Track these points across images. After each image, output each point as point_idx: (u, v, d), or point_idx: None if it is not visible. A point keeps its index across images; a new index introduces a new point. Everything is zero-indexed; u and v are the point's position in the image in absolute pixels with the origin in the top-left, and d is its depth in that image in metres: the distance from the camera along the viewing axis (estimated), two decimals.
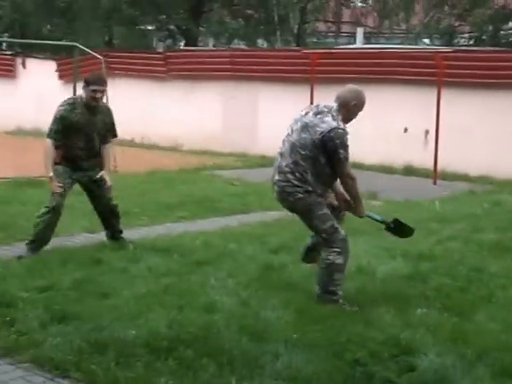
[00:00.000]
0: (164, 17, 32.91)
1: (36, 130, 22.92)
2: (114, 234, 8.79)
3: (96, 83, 8.16)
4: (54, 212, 8.23)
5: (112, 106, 16.29)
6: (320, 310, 6.31)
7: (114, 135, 8.67)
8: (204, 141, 19.88)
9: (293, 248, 8.55)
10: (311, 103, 16.36)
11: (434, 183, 15.33)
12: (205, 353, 5.20)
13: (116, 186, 12.96)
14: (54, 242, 8.75)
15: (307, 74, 16.98)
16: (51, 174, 8.10)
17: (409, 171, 16.69)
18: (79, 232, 9.60)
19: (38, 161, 16.26)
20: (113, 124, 8.58)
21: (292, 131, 6.60)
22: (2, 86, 24.89)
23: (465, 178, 15.82)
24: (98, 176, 8.38)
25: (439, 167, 15.69)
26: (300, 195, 6.49)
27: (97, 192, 8.56)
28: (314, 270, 7.54)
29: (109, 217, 8.73)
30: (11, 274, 7.15)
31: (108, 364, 5.07)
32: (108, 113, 8.55)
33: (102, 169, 8.47)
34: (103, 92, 8.29)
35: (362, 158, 17.02)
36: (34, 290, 6.65)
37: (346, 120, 6.59)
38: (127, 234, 9.45)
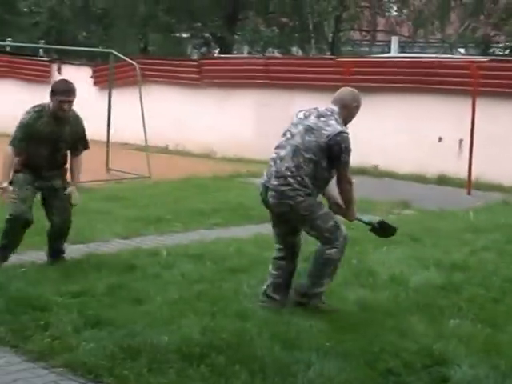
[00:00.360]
0: (199, 24, 33.08)
1: None
2: (54, 253, 8.12)
3: (63, 94, 7.62)
4: (16, 220, 7.74)
5: (146, 112, 16.60)
6: (352, 319, 6.33)
7: (85, 147, 8.08)
8: (238, 148, 19.90)
9: None
10: None
11: (468, 193, 15.23)
12: (237, 360, 5.21)
13: (149, 193, 13.28)
14: (89, 248, 8.87)
15: (341, 83, 16.95)
16: (5, 184, 7.56)
17: (442, 181, 16.58)
18: (113, 238, 9.64)
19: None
20: (83, 135, 8.01)
21: (292, 135, 6.52)
22: (38, 91, 25.01)
23: (499, 188, 15.67)
24: (66, 192, 7.89)
25: (473, 177, 15.60)
26: (301, 198, 6.40)
27: (55, 204, 7.95)
28: (347, 278, 7.59)
29: (58, 234, 8.08)
30: (46, 279, 7.22)
31: (140, 370, 5.10)
32: (77, 123, 7.93)
33: (73, 180, 8.05)
34: (70, 103, 7.68)
35: (396, 166, 17.02)
36: (68, 294, 6.71)
37: (345, 122, 6.60)
38: (161, 240, 9.53)
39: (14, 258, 8.10)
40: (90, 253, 8.48)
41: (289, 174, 6.39)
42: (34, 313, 6.18)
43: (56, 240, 8.10)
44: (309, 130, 6.45)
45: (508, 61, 19.72)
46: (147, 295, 6.82)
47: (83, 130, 8.00)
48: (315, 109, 6.63)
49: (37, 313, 6.18)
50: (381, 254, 8.81)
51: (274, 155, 6.54)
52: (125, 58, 17.08)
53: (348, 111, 6.62)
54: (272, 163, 6.52)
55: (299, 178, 6.38)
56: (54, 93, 7.65)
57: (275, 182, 6.45)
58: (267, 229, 10.40)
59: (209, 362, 5.21)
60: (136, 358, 5.26)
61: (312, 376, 5.06)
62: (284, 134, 6.61)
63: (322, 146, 6.37)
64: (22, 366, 5.34)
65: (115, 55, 16.91)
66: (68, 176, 8.08)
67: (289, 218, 6.59)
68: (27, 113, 7.77)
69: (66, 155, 7.97)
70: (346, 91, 6.78)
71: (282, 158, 6.46)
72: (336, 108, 6.57)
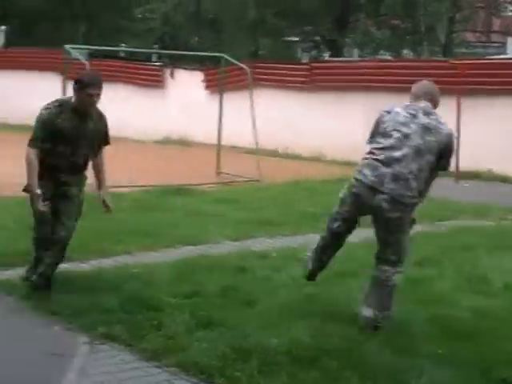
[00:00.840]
0: (309, 27, 33.10)
1: (183, 139, 23.49)
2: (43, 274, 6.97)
3: (93, 86, 6.82)
4: (44, 241, 6.98)
5: (256, 116, 16.69)
6: (465, 326, 6.21)
7: (107, 143, 7.31)
8: (347, 151, 19.79)
9: (438, 261, 8.49)
10: (458, 115, 16.10)
11: None
12: (348, 365, 5.19)
13: (259, 196, 13.35)
14: (200, 250, 8.97)
15: (455, 85, 16.70)
16: (38, 191, 6.75)
17: None
18: (224, 240, 9.73)
19: (185, 170, 16.75)
20: (106, 133, 7.24)
21: (406, 135, 6.01)
22: (152, 96, 25.53)
23: None
24: (100, 200, 7.17)
25: None
26: (412, 208, 6.08)
27: (62, 208, 6.99)
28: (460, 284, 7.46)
29: (59, 252, 7.01)
30: (158, 280, 7.34)
31: (251, 371, 5.12)
32: (101, 120, 7.18)
33: (102, 185, 7.24)
34: (99, 96, 6.92)
35: (509, 170, 16.66)
36: (180, 295, 6.80)
37: None
38: (270, 243, 9.56)
39: (126, 259, 8.28)
40: (201, 254, 8.59)
41: (412, 177, 5.94)
42: (148, 313, 6.29)
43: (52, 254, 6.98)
44: (427, 129, 6.03)
45: None
46: (257, 297, 6.85)
47: (106, 126, 7.23)
48: (412, 105, 6.21)
49: (150, 313, 6.28)
50: (494, 260, 8.63)
51: (382, 156, 6.00)
52: (236, 62, 17.23)
53: (435, 106, 6.25)
54: (380, 165, 5.99)
55: (420, 182, 6.00)
56: (82, 85, 6.81)
57: (392, 186, 5.93)
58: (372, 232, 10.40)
59: (320, 366, 5.20)
60: (247, 360, 5.28)
61: (424, 383, 4.99)
62: (388, 135, 6.09)
63: (441, 145, 6.04)
64: (136, 364, 5.44)
65: (226, 59, 17.06)
66: (93, 182, 7.29)
67: (388, 224, 6.18)
68: (45, 108, 6.92)
69: (87, 157, 7.14)
70: (430, 85, 6.43)
71: (398, 160, 5.95)
72: (428, 103, 6.19)
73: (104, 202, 7.19)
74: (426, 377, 5.08)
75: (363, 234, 10.13)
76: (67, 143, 6.90)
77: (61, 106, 6.95)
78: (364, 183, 6.08)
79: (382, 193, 5.98)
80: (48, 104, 6.97)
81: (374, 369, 5.15)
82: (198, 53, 24.97)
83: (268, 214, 11.47)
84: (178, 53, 26.26)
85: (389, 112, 6.21)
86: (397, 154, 6.00)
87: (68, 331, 6.06)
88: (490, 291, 7.32)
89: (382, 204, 6.02)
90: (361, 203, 6.16)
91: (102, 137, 7.20)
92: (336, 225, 6.37)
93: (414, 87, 6.41)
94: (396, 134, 6.07)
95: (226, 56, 17.15)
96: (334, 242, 6.55)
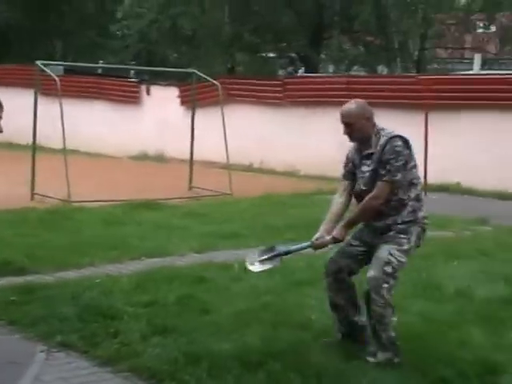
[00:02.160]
0: (284, 44, 33.46)
1: (159, 155, 23.69)
2: None
3: None
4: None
5: (231, 131, 16.94)
6: (413, 330, 6.41)
7: None
8: (321, 166, 20.04)
9: None
10: (425, 130, 16.39)
11: None
12: (293, 367, 5.39)
13: (228, 210, 13.55)
14: (165, 261, 9.16)
15: (421, 100, 16.99)
16: None
17: None
18: (189, 252, 9.91)
19: (158, 184, 16.92)
20: None
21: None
22: (127, 112, 25.71)
23: None
24: None
25: None
26: None
27: None
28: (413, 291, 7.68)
29: None
30: (119, 290, 7.51)
31: (200, 374, 5.32)
32: None
33: None
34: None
35: (478, 183, 16.92)
36: (138, 304, 6.99)
37: None
38: (234, 254, 9.75)
39: (90, 270, 8.47)
40: (164, 266, 8.76)
41: None
42: (105, 321, 6.46)
43: None
44: None
45: None
46: (214, 306, 7.05)
47: None
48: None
49: (107, 321, 6.46)
50: (450, 269, 8.90)
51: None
52: (207, 77, 17.47)
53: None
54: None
55: None
56: None
57: None
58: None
59: (266, 369, 5.40)
60: (197, 364, 5.48)
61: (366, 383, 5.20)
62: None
63: None
64: (90, 370, 5.61)
65: (198, 75, 17.29)
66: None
67: None
68: None
69: None
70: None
71: None
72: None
73: None
74: (369, 378, 5.29)
75: (329, 246, 10.45)
76: None
77: None
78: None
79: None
80: None
81: (319, 370, 5.35)
82: (169, 69, 25.27)
83: (235, 226, 11.67)
84: (148, 68, 26.62)
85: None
86: None
87: (26, 340, 6.23)
88: (442, 297, 7.54)
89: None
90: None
91: None
92: None
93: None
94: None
95: (196, 72, 17.38)
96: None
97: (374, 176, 5.84)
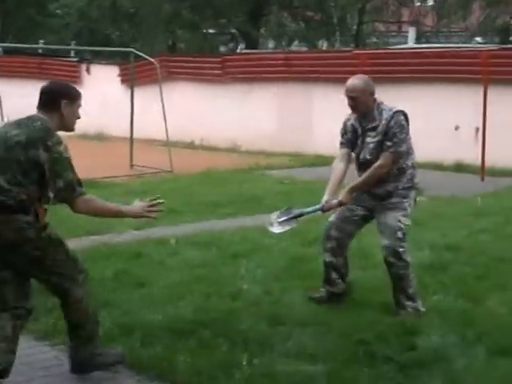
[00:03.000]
0: (224, 20, 33.60)
1: (100, 134, 23.77)
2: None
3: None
4: None
5: (172, 109, 17.10)
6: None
7: None
8: (261, 141, 20.34)
9: None
10: None
11: (482, 179, 15.52)
12: (221, 333, 5.68)
13: (168, 187, 13.75)
14: (104, 239, 9.34)
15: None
16: None
17: (459, 168, 16.86)
18: (127, 229, 10.09)
19: (99, 163, 16.95)
20: None
21: None
22: None
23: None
24: None
25: (489, 164, 15.87)
26: None
27: None
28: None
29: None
30: None
31: (133, 344, 5.58)
32: None
33: None
34: None
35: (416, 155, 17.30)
36: None
37: None
38: (172, 230, 9.98)
39: None
40: (102, 243, 8.96)
41: None
42: (42, 297, 6.62)
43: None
44: None
45: None
46: (149, 279, 7.30)
47: None
48: None
49: (44, 297, 6.62)
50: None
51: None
52: (144, 56, 17.58)
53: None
54: None
55: None
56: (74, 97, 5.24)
57: None
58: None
59: (196, 337, 5.68)
60: (130, 334, 5.74)
61: (289, 346, 5.51)
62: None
63: None
64: (28, 344, 5.80)
65: (136, 54, 17.40)
66: None
67: None
68: (59, 141, 4.99)
69: None
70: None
71: None
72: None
73: None
74: (292, 341, 5.59)
75: (262, 219, 10.71)
76: None
77: None
78: None
79: None
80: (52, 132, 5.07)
81: (246, 336, 5.64)
82: (106, 48, 25.28)
83: (174, 203, 11.81)
84: (86, 48, 26.52)
85: None
86: None
87: None
88: (369, 265, 7.86)
89: None
90: None
91: None
92: None
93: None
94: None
95: (134, 50, 17.50)
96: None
97: (379, 146, 6.37)
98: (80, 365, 5.21)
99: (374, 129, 6.40)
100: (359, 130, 6.52)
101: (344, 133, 6.67)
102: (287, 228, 6.63)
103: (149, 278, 7.38)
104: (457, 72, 17.21)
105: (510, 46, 23.48)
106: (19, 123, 5.03)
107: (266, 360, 5.29)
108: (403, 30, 33.93)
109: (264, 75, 20.98)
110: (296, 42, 33.91)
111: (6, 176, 4.87)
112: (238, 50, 34.34)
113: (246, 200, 12.33)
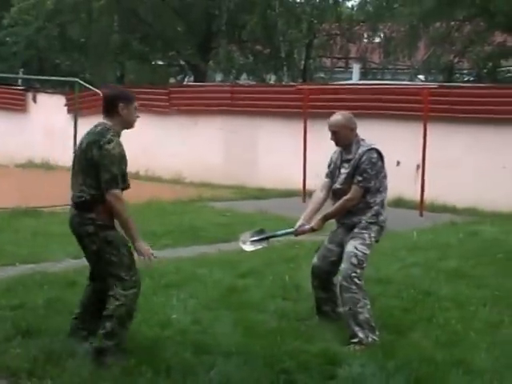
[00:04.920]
0: (173, 52, 33.76)
1: (46, 163, 23.71)
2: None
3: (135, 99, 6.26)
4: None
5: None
6: (267, 327, 6.85)
7: None
8: (206, 174, 20.47)
9: (261, 272, 9.15)
10: (304, 138, 16.97)
11: (421, 215, 15.79)
12: (146, 361, 5.74)
13: None
14: (41, 267, 9.34)
15: (300, 109, 17.55)
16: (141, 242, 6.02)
17: (399, 203, 17.05)
18: (66, 258, 10.11)
19: (41, 192, 16.87)
20: None
21: None
22: (14, 120, 25.63)
23: (452, 210, 16.25)
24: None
25: (429, 200, 16.17)
26: None
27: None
28: (274, 292, 8.13)
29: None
30: None
31: (59, 372, 5.62)
32: None
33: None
34: None
35: None
36: (6, 307, 7.23)
37: None
38: None
39: None
40: (37, 271, 8.97)
41: None
42: None
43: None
44: None
45: (457, 87, 20.52)
46: None
47: None
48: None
49: None
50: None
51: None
52: (89, 86, 17.65)
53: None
54: None
55: None
56: (129, 100, 6.13)
57: None
58: (214, 249, 10.99)
59: (120, 364, 5.74)
60: (56, 362, 5.78)
61: (212, 375, 5.60)
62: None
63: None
64: None
65: (81, 84, 17.47)
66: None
67: None
68: (111, 140, 5.83)
69: None
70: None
71: None
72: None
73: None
74: (216, 369, 5.68)
75: (198, 250, 10.85)
76: None
77: (115, 134, 6.06)
78: None
79: None
80: (104, 133, 5.91)
81: (169, 364, 5.72)
82: (52, 77, 25.33)
83: None
84: (30, 77, 26.54)
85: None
86: None
87: None
88: (299, 297, 8.00)
89: None
90: None
91: None
92: None
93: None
94: None
95: (78, 80, 17.57)
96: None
97: (349, 178, 6.83)
98: (95, 352, 5.80)
99: (348, 161, 6.87)
100: (338, 162, 7.00)
101: (329, 164, 7.16)
102: (259, 247, 7.11)
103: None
104: (398, 109, 17.53)
105: (449, 84, 23.92)
106: (88, 131, 6.00)
107: None
108: (350, 66, 34.38)
109: (209, 108, 21.15)
110: (244, 76, 34.14)
111: (80, 177, 5.91)
112: (185, 82, 34.52)
113: (185, 231, 12.42)
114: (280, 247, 11.18)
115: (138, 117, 6.15)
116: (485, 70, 29.31)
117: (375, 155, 6.81)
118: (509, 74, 31.18)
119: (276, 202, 16.83)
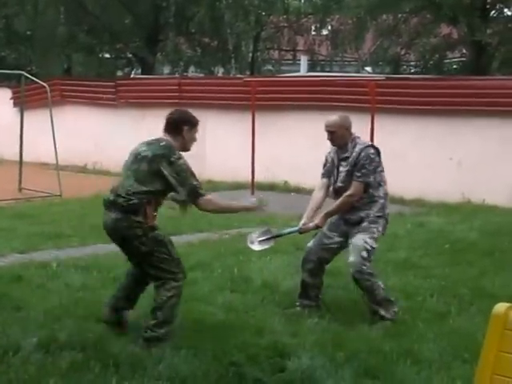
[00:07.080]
0: (121, 45, 33.52)
1: None
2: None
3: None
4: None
5: (65, 132, 16.93)
6: (216, 320, 6.84)
7: None
8: None
9: (209, 265, 9.13)
10: (253, 131, 16.95)
11: None
12: (94, 356, 5.70)
13: (56, 210, 13.66)
14: None
15: (248, 102, 17.53)
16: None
17: None
18: (11, 253, 10.02)
19: None
20: None
21: None
22: None
23: (400, 201, 16.35)
24: None
25: None
26: None
27: None
28: (222, 284, 8.12)
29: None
30: None
31: (5, 368, 5.54)
32: None
33: None
34: None
35: (304, 182, 17.61)
36: None
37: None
38: (56, 254, 9.93)
39: None
40: None
41: None
42: None
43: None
44: None
45: (403, 78, 20.67)
46: (28, 303, 7.26)
47: None
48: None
49: None
50: (263, 263, 9.34)
51: None
52: (34, 79, 17.45)
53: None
54: None
55: None
56: (194, 125, 6.59)
57: None
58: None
59: (69, 359, 5.69)
60: (2, 358, 5.70)
61: (161, 369, 5.57)
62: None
63: None
64: None
65: (26, 77, 17.25)
66: None
67: None
68: (180, 157, 6.26)
69: None
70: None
71: None
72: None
73: None
74: (164, 363, 5.66)
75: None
76: None
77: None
78: None
79: None
80: (169, 147, 6.32)
81: (117, 359, 5.68)
82: None
83: (60, 227, 11.83)
84: None
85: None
86: None
87: None
88: (248, 289, 8.00)
89: None
90: None
91: None
92: None
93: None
94: None
95: (24, 73, 17.34)
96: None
97: (349, 175, 7.12)
98: (148, 341, 6.07)
99: (345, 159, 7.17)
100: (335, 161, 7.28)
101: (324, 164, 7.45)
102: (266, 246, 7.26)
103: (27, 301, 7.33)
104: (346, 101, 17.57)
105: (396, 75, 24.08)
106: (149, 143, 6.41)
107: (137, 382, 5.34)
108: (298, 58, 34.47)
109: (157, 100, 21.00)
110: (192, 68, 34.03)
111: (129, 182, 6.14)
112: (132, 75, 34.31)
113: None
114: (229, 240, 11.21)
115: (195, 140, 6.50)
116: (431, 62, 29.62)
117: (372, 151, 7.17)
118: (454, 66, 31.55)
119: (224, 194, 16.77)
